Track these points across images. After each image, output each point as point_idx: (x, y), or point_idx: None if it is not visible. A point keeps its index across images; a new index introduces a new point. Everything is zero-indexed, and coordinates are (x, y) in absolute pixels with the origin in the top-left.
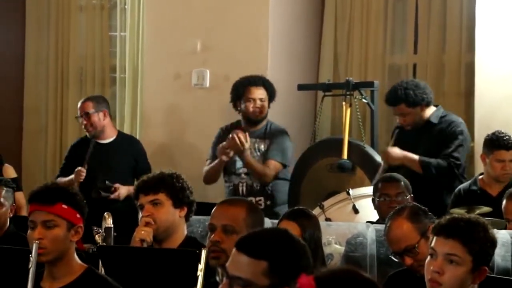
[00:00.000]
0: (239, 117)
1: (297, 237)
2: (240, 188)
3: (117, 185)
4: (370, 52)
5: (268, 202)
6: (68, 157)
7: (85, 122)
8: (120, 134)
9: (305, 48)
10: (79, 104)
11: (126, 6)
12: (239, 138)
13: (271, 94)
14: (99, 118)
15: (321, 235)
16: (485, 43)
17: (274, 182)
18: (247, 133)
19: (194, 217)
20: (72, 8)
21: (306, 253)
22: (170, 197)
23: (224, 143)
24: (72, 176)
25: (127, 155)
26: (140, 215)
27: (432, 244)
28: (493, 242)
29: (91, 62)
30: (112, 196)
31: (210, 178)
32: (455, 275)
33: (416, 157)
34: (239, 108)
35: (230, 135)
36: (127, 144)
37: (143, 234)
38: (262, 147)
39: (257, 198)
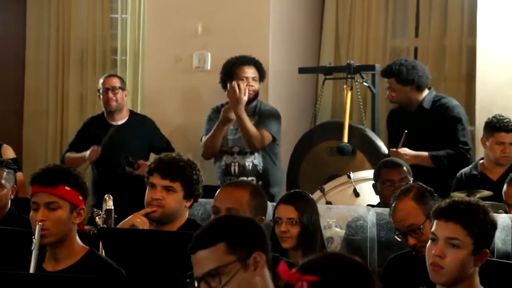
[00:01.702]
0: None
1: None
2: (232, 168)
3: (141, 161)
4: (371, 35)
5: (260, 182)
6: (81, 133)
7: (110, 95)
8: (132, 114)
9: (306, 31)
10: (102, 79)
11: None
12: (239, 86)
13: (262, 74)
14: (122, 97)
15: (319, 218)
16: (487, 27)
17: (264, 163)
18: (246, 89)
19: None
20: None
21: (254, 221)
22: (184, 188)
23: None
24: (86, 153)
25: (141, 134)
26: (147, 191)
27: (433, 228)
28: (493, 225)
29: (92, 44)
30: (136, 172)
31: (210, 148)
32: (456, 258)
33: (425, 153)
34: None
35: (229, 85)
36: (140, 124)
37: (138, 221)
38: (252, 123)
39: (250, 178)
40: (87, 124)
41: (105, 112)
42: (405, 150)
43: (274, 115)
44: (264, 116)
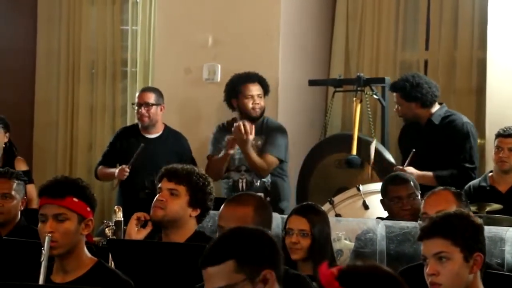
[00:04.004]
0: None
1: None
2: (240, 184)
3: None
4: (381, 48)
5: (268, 198)
6: (113, 144)
7: (143, 111)
8: (167, 129)
9: (317, 44)
10: (138, 93)
11: (137, 0)
12: (244, 126)
13: (266, 90)
14: (157, 112)
15: (330, 231)
16: (497, 39)
17: (272, 179)
18: (253, 126)
19: None
20: (84, 2)
21: (267, 235)
22: (189, 194)
23: (232, 136)
24: (115, 170)
25: (172, 151)
26: (156, 197)
27: (421, 251)
28: (475, 227)
29: (103, 56)
30: None
31: (214, 173)
32: (450, 271)
33: (430, 173)
34: (234, 106)
35: (236, 124)
36: (173, 140)
37: (131, 233)
38: (259, 143)
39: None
40: (119, 135)
41: (139, 125)
42: (411, 170)
43: (281, 134)
44: (270, 136)
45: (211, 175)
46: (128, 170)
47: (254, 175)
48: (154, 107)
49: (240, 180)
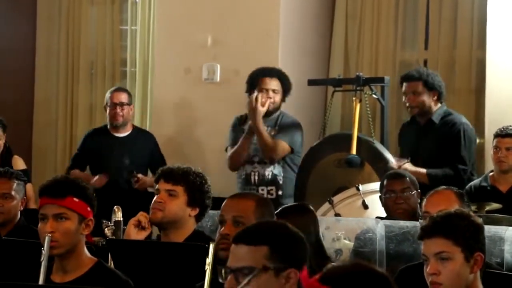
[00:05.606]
0: None
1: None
2: (252, 177)
3: (140, 175)
4: (380, 47)
5: (280, 192)
6: (83, 147)
7: (118, 110)
8: (135, 128)
9: (316, 43)
10: (110, 94)
11: (137, 0)
12: (256, 96)
13: (286, 87)
14: (128, 111)
15: (319, 229)
16: (497, 39)
17: (284, 173)
18: (267, 100)
19: None
20: (83, 2)
21: (303, 239)
22: (187, 194)
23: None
24: (93, 178)
25: (142, 149)
26: (154, 198)
27: (422, 250)
28: (476, 227)
29: (102, 56)
30: (137, 185)
31: (234, 159)
32: (451, 271)
33: (423, 170)
34: None
35: (250, 97)
36: (142, 138)
37: (131, 234)
38: (272, 133)
39: (269, 188)
40: (89, 136)
41: (108, 125)
42: (405, 165)
43: (295, 126)
44: (284, 127)
45: (232, 166)
46: (106, 180)
47: (266, 167)
48: (127, 107)
49: (253, 173)
